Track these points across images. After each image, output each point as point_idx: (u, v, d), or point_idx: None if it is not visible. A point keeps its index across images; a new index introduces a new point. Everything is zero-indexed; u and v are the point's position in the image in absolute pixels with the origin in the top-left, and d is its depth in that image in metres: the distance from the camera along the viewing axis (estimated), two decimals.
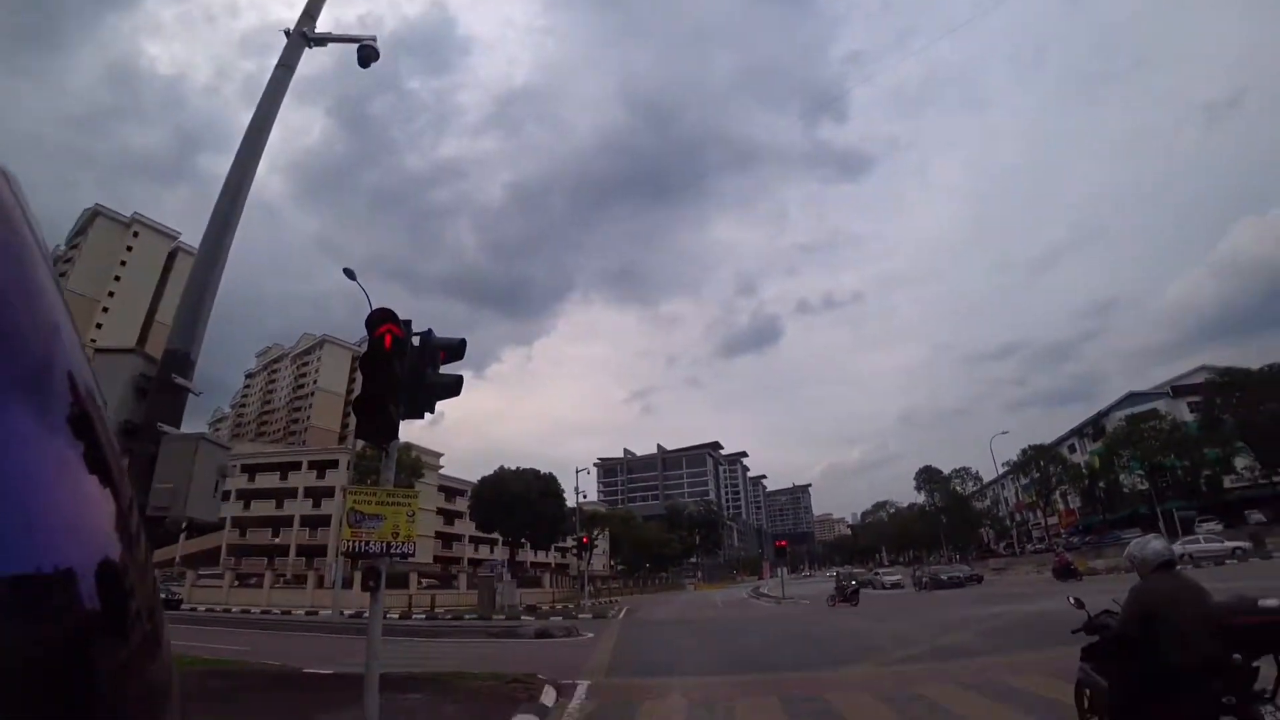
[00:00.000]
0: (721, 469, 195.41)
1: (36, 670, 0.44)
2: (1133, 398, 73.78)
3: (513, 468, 57.19)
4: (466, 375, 7.68)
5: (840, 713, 7.75)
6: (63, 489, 0.50)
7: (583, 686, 10.15)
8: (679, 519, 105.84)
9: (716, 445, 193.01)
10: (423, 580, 43.59)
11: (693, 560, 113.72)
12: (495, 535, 62.28)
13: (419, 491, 10.07)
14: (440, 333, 7.31)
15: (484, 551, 75.76)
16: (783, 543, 44.85)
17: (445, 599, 38.74)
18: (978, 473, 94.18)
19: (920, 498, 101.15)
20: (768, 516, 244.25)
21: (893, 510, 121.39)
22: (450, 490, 75.97)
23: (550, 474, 57.24)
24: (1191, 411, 64.28)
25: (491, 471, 57.77)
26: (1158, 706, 4.70)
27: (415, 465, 47.71)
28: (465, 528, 72.99)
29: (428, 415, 7.37)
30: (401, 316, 6.54)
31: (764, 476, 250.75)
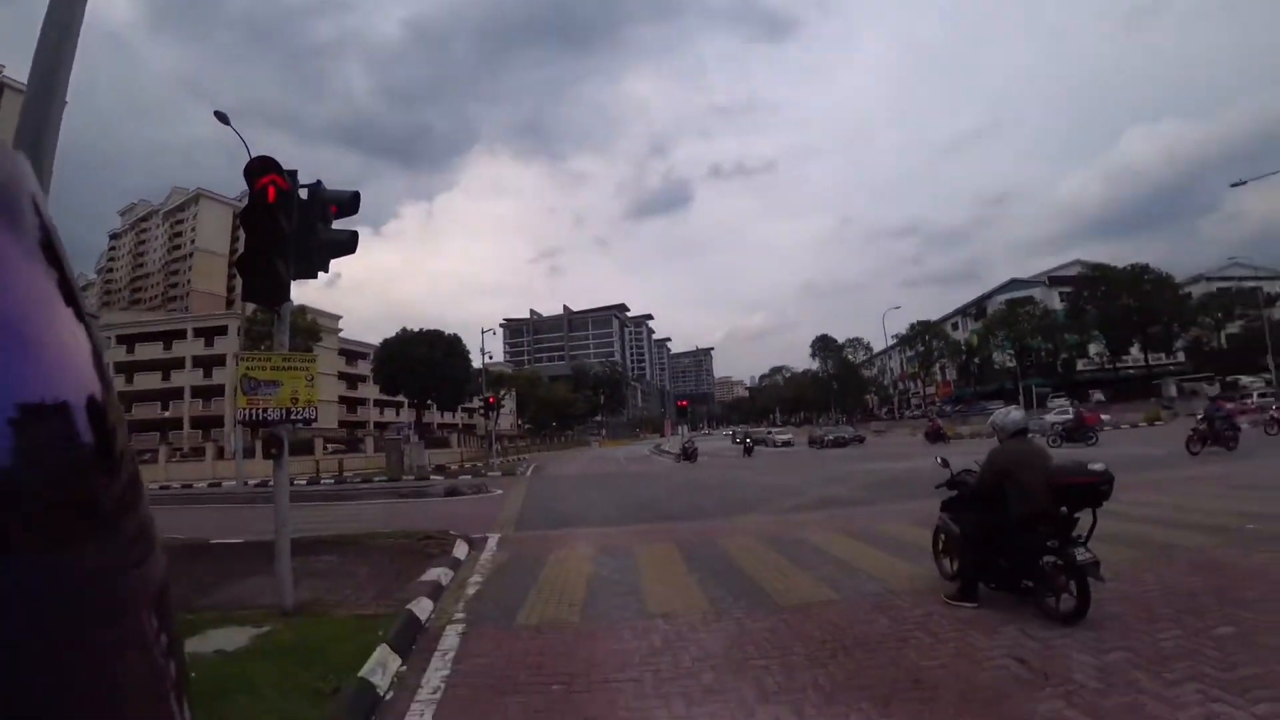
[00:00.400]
0: (627, 331, 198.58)
1: (52, 492, 0.46)
2: (1014, 284, 79.68)
3: (416, 329, 56.08)
4: (363, 232, 7.30)
5: (730, 555, 8.56)
6: (52, 321, 0.49)
7: (493, 539, 10.60)
8: (585, 379, 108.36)
9: (623, 307, 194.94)
10: (329, 446, 43.23)
11: (598, 419, 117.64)
12: (401, 398, 61.62)
13: (317, 355, 9.78)
14: (331, 186, 6.80)
15: (390, 415, 75.32)
16: (684, 403, 46.52)
17: (353, 463, 38.61)
18: (869, 343, 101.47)
19: (815, 364, 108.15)
20: (671, 377, 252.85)
21: (788, 375, 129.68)
22: (352, 354, 73.87)
23: (455, 335, 56.58)
24: (1061, 301, 70.56)
25: (394, 334, 56.64)
26: (998, 547, 5.58)
27: (312, 329, 45.78)
28: (370, 391, 71.61)
29: (322, 275, 7.01)
30: (286, 167, 6.03)
31: (668, 339, 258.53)
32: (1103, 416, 35.51)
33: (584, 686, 4.36)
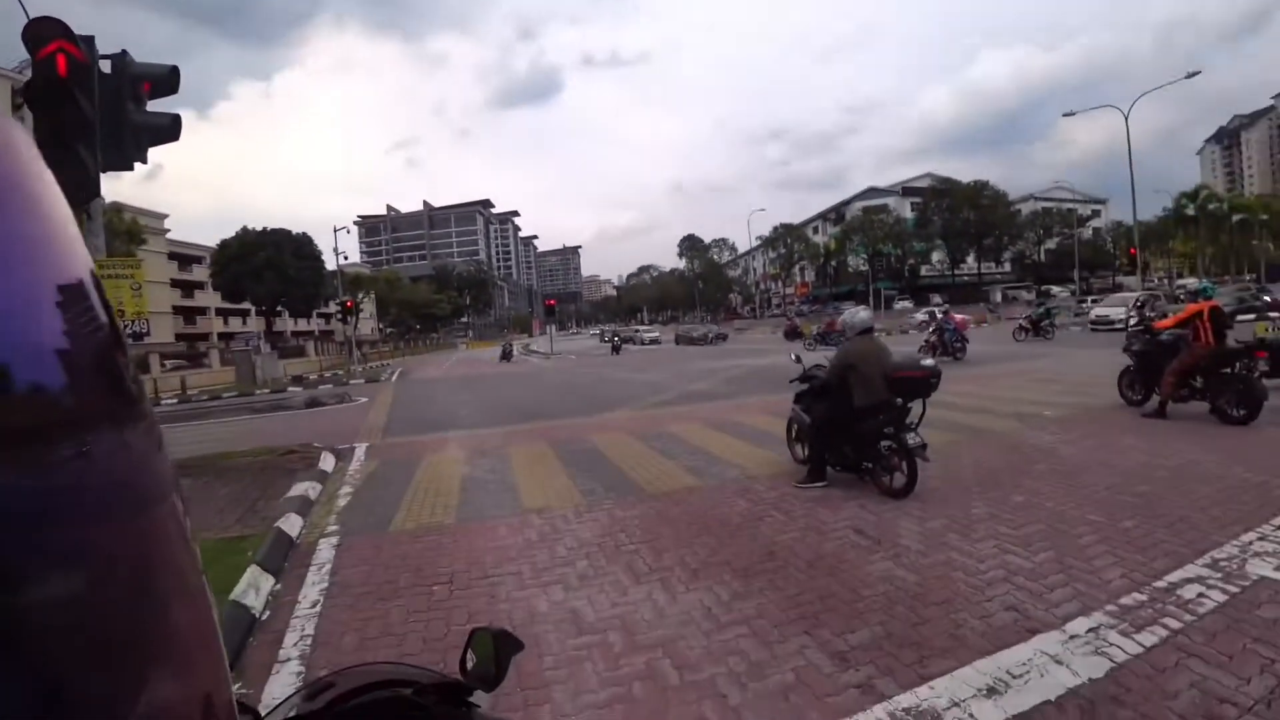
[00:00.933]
0: (492, 228, 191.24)
1: (99, 369, 0.47)
2: (871, 192, 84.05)
3: (260, 229, 50.55)
4: (186, 115, 6.30)
5: (601, 450, 8.90)
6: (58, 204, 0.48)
7: (361, 448, 10.34)
8: (448, 279, 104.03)
9: (488, 203, 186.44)
10: (166, 362, 38.67)
11: (464, 320, 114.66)
12: (247, 305, 56.16)
13: (142, 260, 8.71)
14: (141, 59, 5.89)
15: (235, 324, 68.50)
16: (552, 301, 46.10)
17: (199, 379, 34.58)
18: (734, 244, 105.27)
19: (682, 264, 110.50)
20: (538, 276, 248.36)
21: (656, 274, 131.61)
22: (184, 258, 65.57)
23: (305, 234, 51.67)
24: (912, 210, 75.54)
25: (234, 234, 50.70)
26: (843, 434, 6.18)
27: (133, 230, 39.63)
28: (210, 300, 64.67)
29: (140, 167, 6.07)
30: (79, 33, 5.12)
31: (535, 237, 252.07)
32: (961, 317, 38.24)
33: (464, 584, 4.49)
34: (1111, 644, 3.17)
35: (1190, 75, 29.33)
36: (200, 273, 63.28)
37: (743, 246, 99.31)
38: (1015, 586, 3.87)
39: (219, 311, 67.85)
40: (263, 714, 0.87)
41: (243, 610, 4.07)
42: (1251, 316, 21.01)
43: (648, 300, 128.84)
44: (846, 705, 2.84)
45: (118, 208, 41.57)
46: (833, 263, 78.83)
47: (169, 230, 63.11)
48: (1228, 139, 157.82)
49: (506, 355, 38.82)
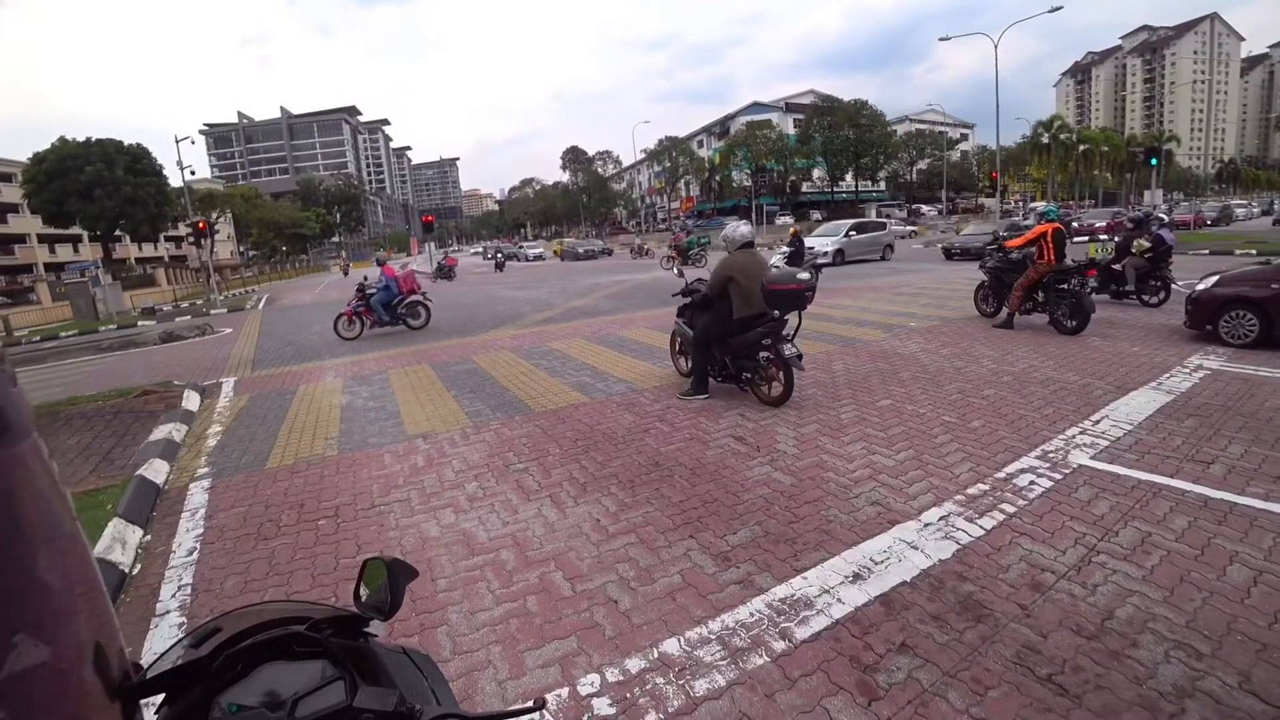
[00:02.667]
0: (361, 138, 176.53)
1: None
2: (755, 106, 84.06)
3: (83, 139, 42.97)
4: None
5: (485, 370, 8.76)
6: None
7: (229, 383, 9.63)
8: (314, 195, 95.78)
9: (354, 110, 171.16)
10: None
11: (335, 240, 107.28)
12: (77, 230, 48.42)
13: None
14: None
15: (65, 253, 60.24)
16: (429, 218, 43.67)
17: (26, 318, 29.12)
18: (619, 157, 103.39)
19: (565, 177, 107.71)
20: (414, 191, 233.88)
21: (539, 187, 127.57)
22: None
23: (139, 145, 44.63)
24: (795, 127, 76.43)
25: (49, 145, 42.43)
26: (723, 344, 6.36)
27: None
28: (28, 225, 55.39)
29: None
30: None
31: (409, 148, 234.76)
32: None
33: (351, 515, 4.36)
34: (958, 529, 3.55)
35: (1054, 10, 30.84)
36: (11, 194, 53.99)
37: (627, 160, 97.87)
38: (879, 483, 4.23)
39: (42, 239, 58.72)
40: (144, 666, 0.81)
41: (109, 567, 3.73)
42: (1084, 238, 23.36)
43: (531, 215, 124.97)
44: (729, 601, 3.04)
45: None
46: (717, 177, 79.29)
47: None
48: (1081, 74, 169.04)
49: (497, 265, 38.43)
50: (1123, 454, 4.47)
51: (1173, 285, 10.68)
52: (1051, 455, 4.52)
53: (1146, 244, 10.60)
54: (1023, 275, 9.26)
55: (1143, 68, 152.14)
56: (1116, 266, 10.95)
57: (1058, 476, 4.17)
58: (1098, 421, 5.16)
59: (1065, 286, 8.89)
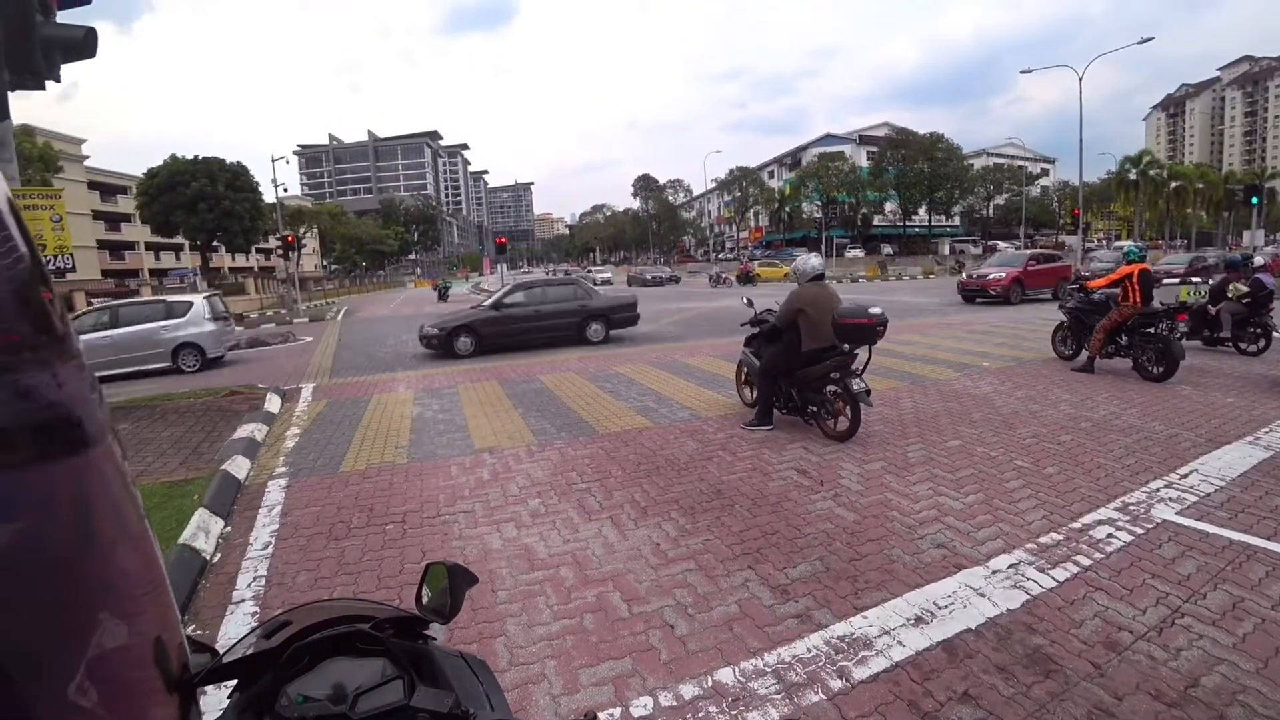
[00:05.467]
0: (441, 161, 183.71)
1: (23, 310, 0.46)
2: (828, 138, 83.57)
3: (191, 158, 46.57)
4: (104, 29, 5.71)
5: (551, 390, 8.94)
6: None
7: (308, 389, 10.14)
8: (395, 214, 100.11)
9: (436, 135, 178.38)
10: (93, 300, 35.73)
11: (411, 257, 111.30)
12: (180, 240, 52.26)
13: (62, 189, 8.11)
14: None
15: (168, 260, 64.60)
16: (503, 240, 44.79)
17: None
18: (689, 185, 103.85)
19: (636, 203, 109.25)
20: (489, 213, 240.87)
21: (609, 213, 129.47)
22: (107, 188, 60.63)
23: (240, 164, 48.19)
24: (868, 159, 75.60)
25: (161, 162, 46.32)
26: (789, 376, 6.33)
27: (47, 155, 35.60)
28: (138, 233, 60.32)
29: (53, 86, 5.42)
30: None
31: (486, 171, 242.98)
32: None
33: (417, 523, 4.52)
34: (1028, 578, 3.42)
35: (1144, 41, 29.78)
36: (126, 204, 58.51)
37: (698, 188, 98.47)
38: (945, 525, 4.11)
39: (149, 246, 63.61)
40: (220, 652, 0.88)
41: (193, 553, 4.01)
42: (1198, 280, 22.03)
43: (601, 240, 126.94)
44: (785, 634, 3.01)
45: (27, 130, 37.87)
46: (787, 208, 78.87)
47: (88, 157, 57.89)
48: (1173, 107, 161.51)
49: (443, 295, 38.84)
50: (1213, 511, 4.22)
51: (1274, 333, 10.02)
52: (1133, 508, 4.30)
53: (1244, 288, 10.01)
54: (1105, 317, 8.87)
55: (1243, 100, 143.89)
56: (1211, 311, 10.36)
57: (1139, 530, 3.96)
58: (1185, 475, 4.87)
59: (1152, 330, 8.47)
